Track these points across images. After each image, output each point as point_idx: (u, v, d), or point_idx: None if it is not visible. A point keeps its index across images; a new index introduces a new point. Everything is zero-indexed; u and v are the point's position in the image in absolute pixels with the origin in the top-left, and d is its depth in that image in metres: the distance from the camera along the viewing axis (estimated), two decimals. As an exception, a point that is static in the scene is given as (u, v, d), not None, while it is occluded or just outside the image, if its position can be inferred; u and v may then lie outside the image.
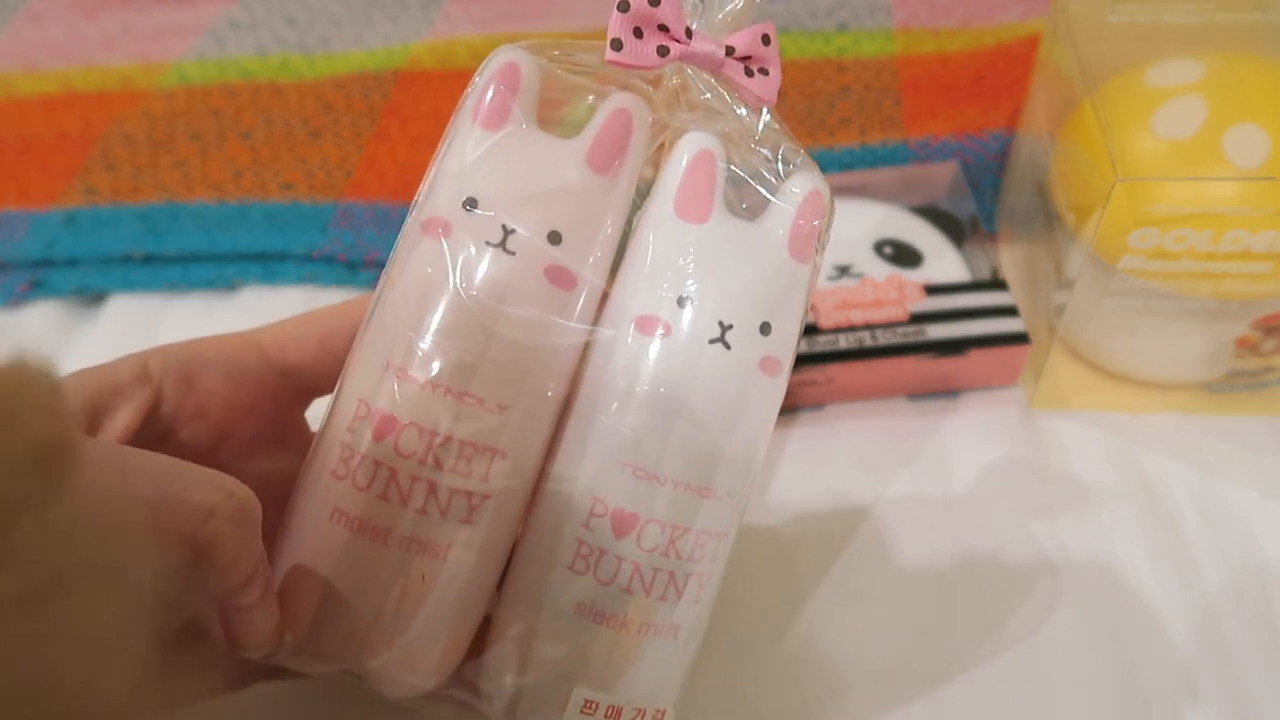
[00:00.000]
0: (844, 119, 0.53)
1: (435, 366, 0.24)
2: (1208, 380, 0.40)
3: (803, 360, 0.39)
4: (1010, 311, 0.40)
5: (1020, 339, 0.39)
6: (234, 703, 0.28)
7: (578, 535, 0.25)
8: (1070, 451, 0.39)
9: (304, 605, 0.25)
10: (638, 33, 0.26)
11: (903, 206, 0.46)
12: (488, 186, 0.25)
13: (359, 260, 0.48)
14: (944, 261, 0.43)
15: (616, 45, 0.26)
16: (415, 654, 0.25)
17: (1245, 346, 0.38)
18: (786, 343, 0.27)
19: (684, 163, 0.27)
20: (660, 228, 0.26)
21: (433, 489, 0.24)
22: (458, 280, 0.24)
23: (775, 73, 0.27)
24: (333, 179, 0.53)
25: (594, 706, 0.25)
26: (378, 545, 0.24)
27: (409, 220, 0.26)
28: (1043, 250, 0.41)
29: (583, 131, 0.27)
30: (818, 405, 0.42)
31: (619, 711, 0.26)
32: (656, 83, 0.27)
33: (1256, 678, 0.32)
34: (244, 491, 0.21)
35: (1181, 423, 0.40)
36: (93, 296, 0.49)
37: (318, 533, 0.25)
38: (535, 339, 0.25)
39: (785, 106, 0.54)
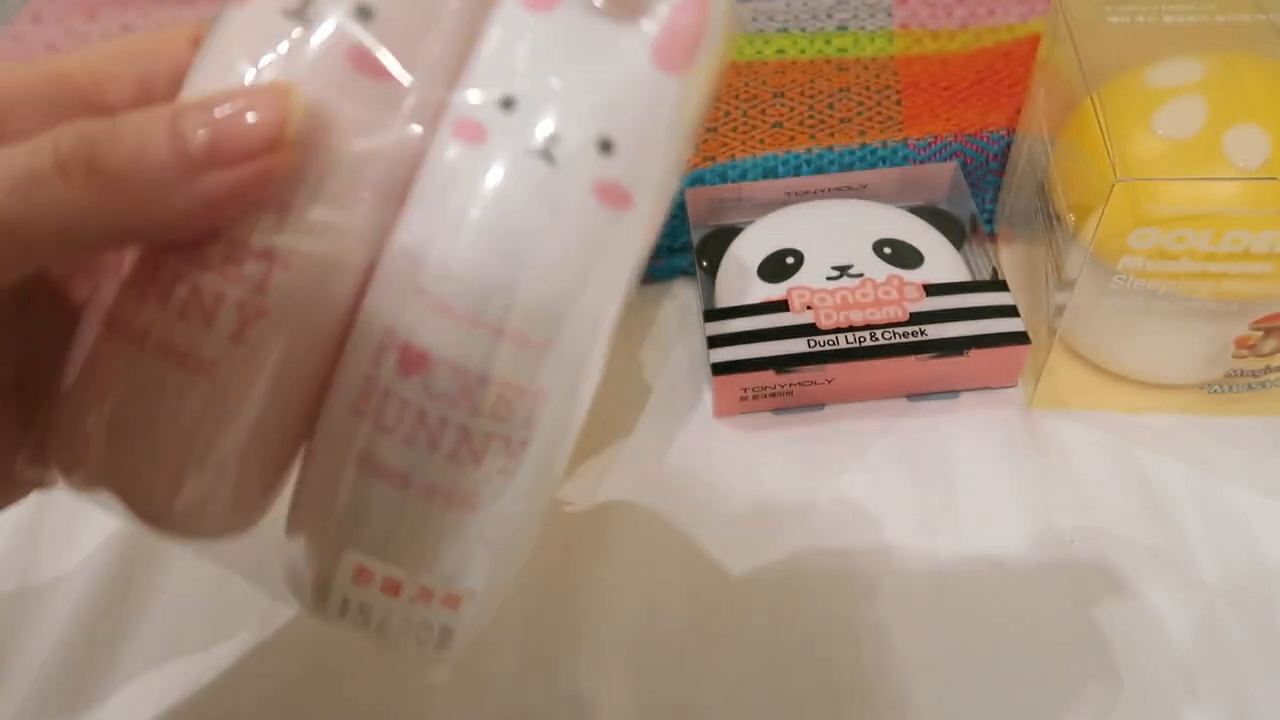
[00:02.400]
0: (844, 119, 0.53)
1: None
2: (1208, 380, 0.40)
3: (803, 360, 0.39)
4: (1010, 311, 0.40)
5: (1020, 339, 0.39)
6: (232, 702, 0.28)
7: (365, 371, 0.22)
8: (1070, 452, 0.39)
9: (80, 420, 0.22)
10: None
11: (903, 207, 0.46)
12: None
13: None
14: (944, 262, 0.43)
15: None
16: (201, 490, 0.22)
17: (1245, 347, 0.38)
18: (641, 173, 0.22)
19: None
20: (503, 18, 0.22)
21: (195, 292, 0.21)
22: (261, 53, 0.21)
23: None
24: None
25: (368, 575, 0.22)
26: (131, 349, 0.21)
27: None
28: (1043, 250, 0.41)
29: None
30: (818, 405, 0.42)
31: (398, 585, 0.22)
32: None
33: (1256, 678, 0.33)
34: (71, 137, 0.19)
35: (1181, 423, 0.40)
36: (92, 296, 0.49)
37: (86, 337, 0.22)
38: (353, 141, 0.21)
39: (785, 107, 0.54)
